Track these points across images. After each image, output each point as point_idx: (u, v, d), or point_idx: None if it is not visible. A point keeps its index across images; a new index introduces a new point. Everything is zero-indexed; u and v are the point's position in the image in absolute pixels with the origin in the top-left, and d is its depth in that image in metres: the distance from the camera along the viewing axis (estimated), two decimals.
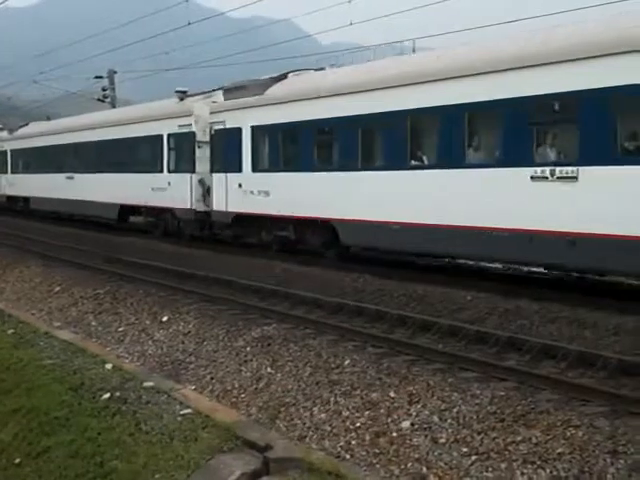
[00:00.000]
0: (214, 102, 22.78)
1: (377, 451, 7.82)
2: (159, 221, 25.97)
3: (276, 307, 13.55)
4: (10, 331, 14.38)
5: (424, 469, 7.32)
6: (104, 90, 41.78)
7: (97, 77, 42.14)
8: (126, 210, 28.23)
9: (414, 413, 8.32)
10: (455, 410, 8.17)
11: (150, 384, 10.35)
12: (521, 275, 15.38)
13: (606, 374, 8.92)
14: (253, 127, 20.50)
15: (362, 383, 9.32)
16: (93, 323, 14.71)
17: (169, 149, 24.84)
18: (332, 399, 9.13)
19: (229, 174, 21.35)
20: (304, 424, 8.78)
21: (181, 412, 9.26)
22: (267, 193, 19.78)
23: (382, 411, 8.53)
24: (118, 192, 27.78)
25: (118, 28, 44.40)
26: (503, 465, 7.03)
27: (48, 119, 41.51)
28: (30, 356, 12.35)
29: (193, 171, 23.17)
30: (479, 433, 7.62)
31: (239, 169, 20.87)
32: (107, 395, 10.09)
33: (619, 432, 7.10)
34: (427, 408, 8.35)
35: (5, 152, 41.41)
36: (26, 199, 38.21)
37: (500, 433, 7.52)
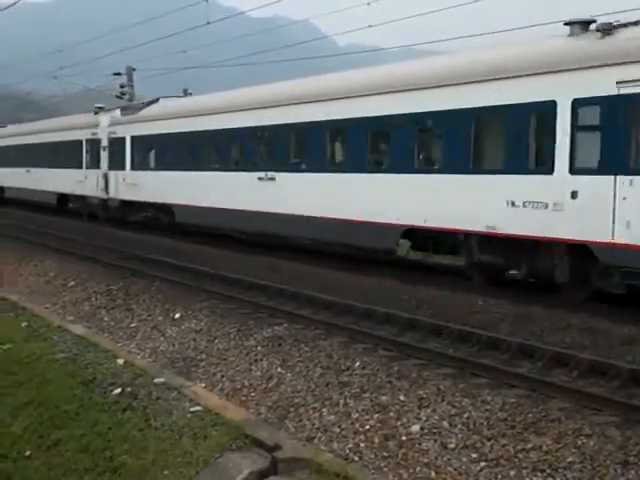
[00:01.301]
0: None
1: (386, 454, 7.81)
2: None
3: (286, 307, 13.58)
4: (23, 324, 14.47)
5: (433, 474, 7.31)
6: (122, 87, 41.92)
7: (115, 74, 42.29)
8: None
9: (424, 417, 8.30)
10: (465, 415, 8.15)
11: (161, 380, 10.40)
12: (532, 281, 15.28)
13: (618, 384, 8.87)
14: None
15: (372, 386, 9.31)
16: (106, 318, 14.78)
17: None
18: (342, 401, 9.13)
19: None
20: (313, 425, 8.78)
21: (191, 409, 9.30)
22: None
23: (392, 414, 8.52)
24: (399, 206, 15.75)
25: (136, 26, 44.64)
26: (512, 472, 7.01)
27: (187, 94, 30.34)
28: (42, 349, 12.43)
29: None
30: (489, 439, 7.59)
31: None
32: (118, 390, 10.15)
33: (630, 442, 7.06)
34: (437, 413, 8.33)
35: (120, 141, 28.82)
36: (163, 208, 25.65)
37: (510, 440, 7.49)
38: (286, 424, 8.96)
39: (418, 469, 7.42)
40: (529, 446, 7.31)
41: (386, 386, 9.23)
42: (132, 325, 13.99)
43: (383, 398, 8.93)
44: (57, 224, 30.59)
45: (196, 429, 8.68)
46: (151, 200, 26.49)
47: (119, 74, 42.32)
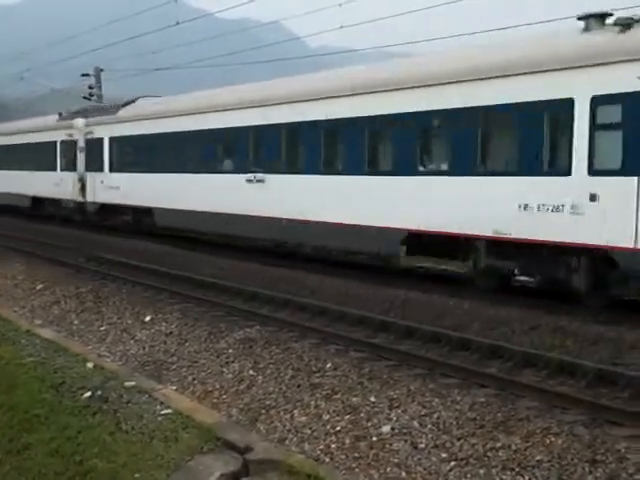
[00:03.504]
0: None
1: (357, 455, 7.84)
2: None
3: (259, 310, 13.56)
4: None
5: (403, 474, 7.35)
6: (90, 88, 41.59)
7: (84, 75, 41.95)
8: None
9: (394, 418, 8.34)
10: (435, 416, 8.21)
11: (131, 384, 10.33)
12: (503, 283, 15.41)
13: (586, 383, 8.99)
14: None
15: (343, 387, 9.34)
16: (75, 322, 14.65)
17: None
18: (313, 402, 9.15)
19: None
20: (284, 427, 8.79)
21: (162, 412, 9.24)
22: None
23: (362, 415, 8.56)
24: None
25: (105, 26, 44.27)
26: (482, 471, 7.07)
27: None
28: (11, 354, 12.29)
29: None
30: (459, 439, 7.66)
31: None
32: (88, 394, 10.06)
33: (598, 441, 7.15)
34: (407, 413, 8.38)
35: None
36: None
37: (480, 439, 7.56)
38: (257, 426, 8.96)
39: (389, 469, 7.46)
40: (498, 445, 7.38)
41: (357, 387, 9.26)
42: (102, 328, 13.89)
43: (354, 399, 8.96)
44: (24, 226, 30.24)
45: (167, 432, 8.63)
46: None
47: (87, 75, 42.02)
